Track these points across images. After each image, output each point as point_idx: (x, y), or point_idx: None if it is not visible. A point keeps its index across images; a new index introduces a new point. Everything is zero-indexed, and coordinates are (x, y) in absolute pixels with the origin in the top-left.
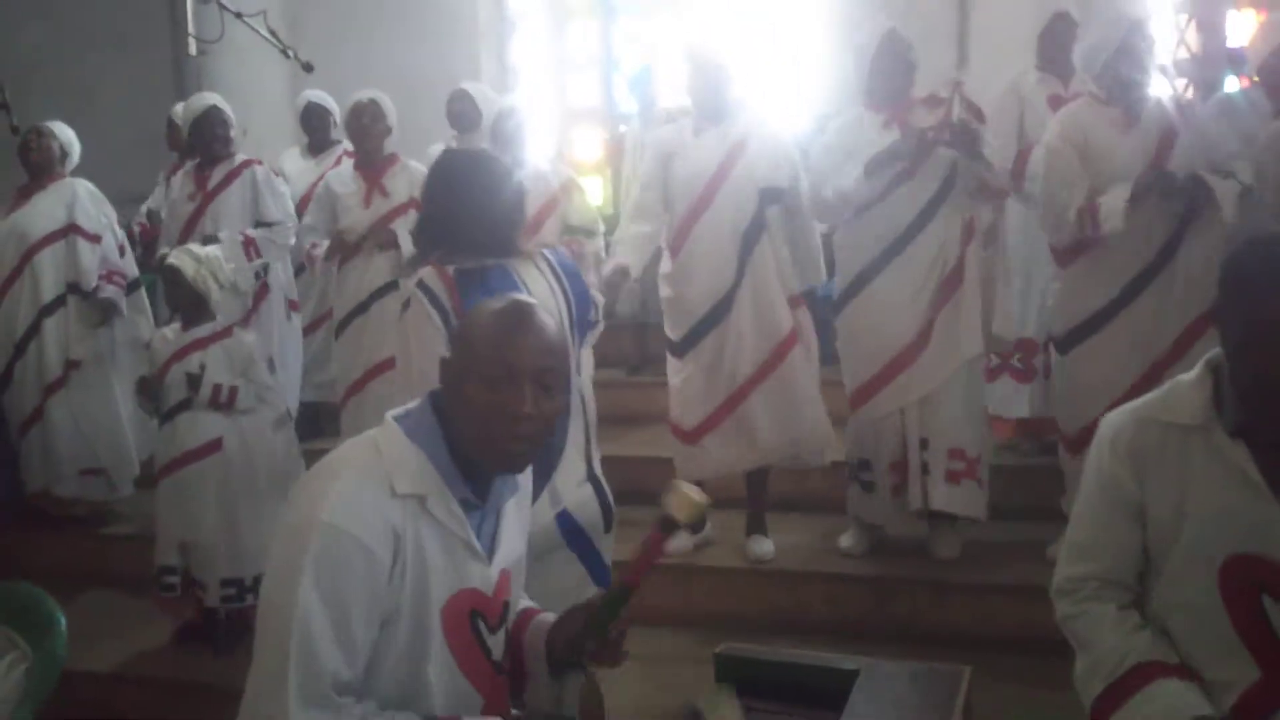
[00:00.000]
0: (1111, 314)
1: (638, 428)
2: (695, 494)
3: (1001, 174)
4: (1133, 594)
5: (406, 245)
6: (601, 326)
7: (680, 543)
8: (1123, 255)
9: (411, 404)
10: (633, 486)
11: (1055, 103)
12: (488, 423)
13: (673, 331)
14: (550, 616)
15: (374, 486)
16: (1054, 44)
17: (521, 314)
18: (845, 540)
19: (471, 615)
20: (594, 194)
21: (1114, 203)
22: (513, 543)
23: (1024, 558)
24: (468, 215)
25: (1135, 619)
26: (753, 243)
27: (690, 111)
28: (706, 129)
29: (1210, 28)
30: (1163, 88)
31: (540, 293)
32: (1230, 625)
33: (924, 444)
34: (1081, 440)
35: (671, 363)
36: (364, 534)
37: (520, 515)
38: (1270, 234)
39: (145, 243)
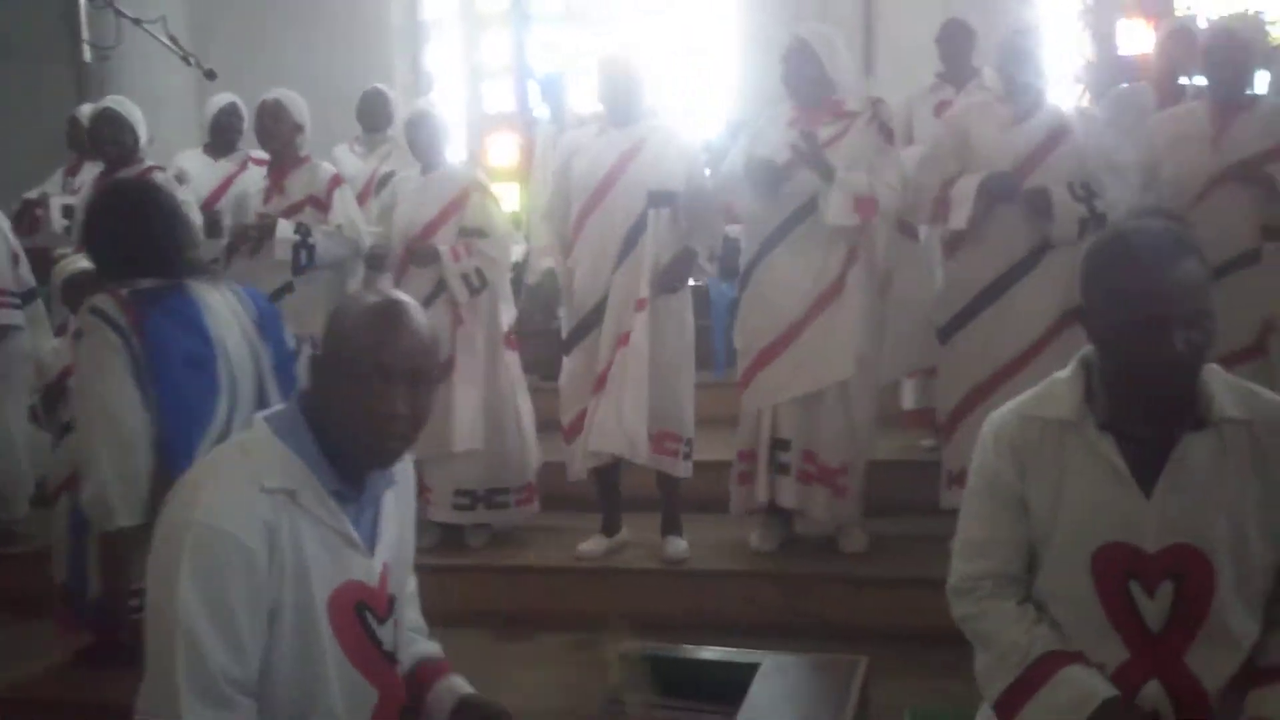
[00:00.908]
0: (982, 305)
1: (552, 433)
2: None
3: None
4: (1026, 587)
5: (283, 231)
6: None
7: (594, 546)
8: (995, 250)
9: (278, 405)
10: (545, 492)
11: (943, 109)
12: (359, 420)
13: (565, 329)
14: (461, 685)
15: (243, 484)
16: (947, 49)
17: (394, 312)
18: (755, 538)
19: (358, 607)
20: (510, 200)
21: (961, 201)
22: (394, 534)
23: (930, 550)
24: (134, 241)
25: (1032, 613)
26: (631, 245)
27: (602, 117)
28: (610, 131)
29: (1103, 37)
30: (1067, 94)
31: (222, 314)
32: (1102, 610)
33: (783, 444)
34: (949, 427)
35: (564, 361)
36: (237, 530)
37: (401, 507)
38: (1128, 225)
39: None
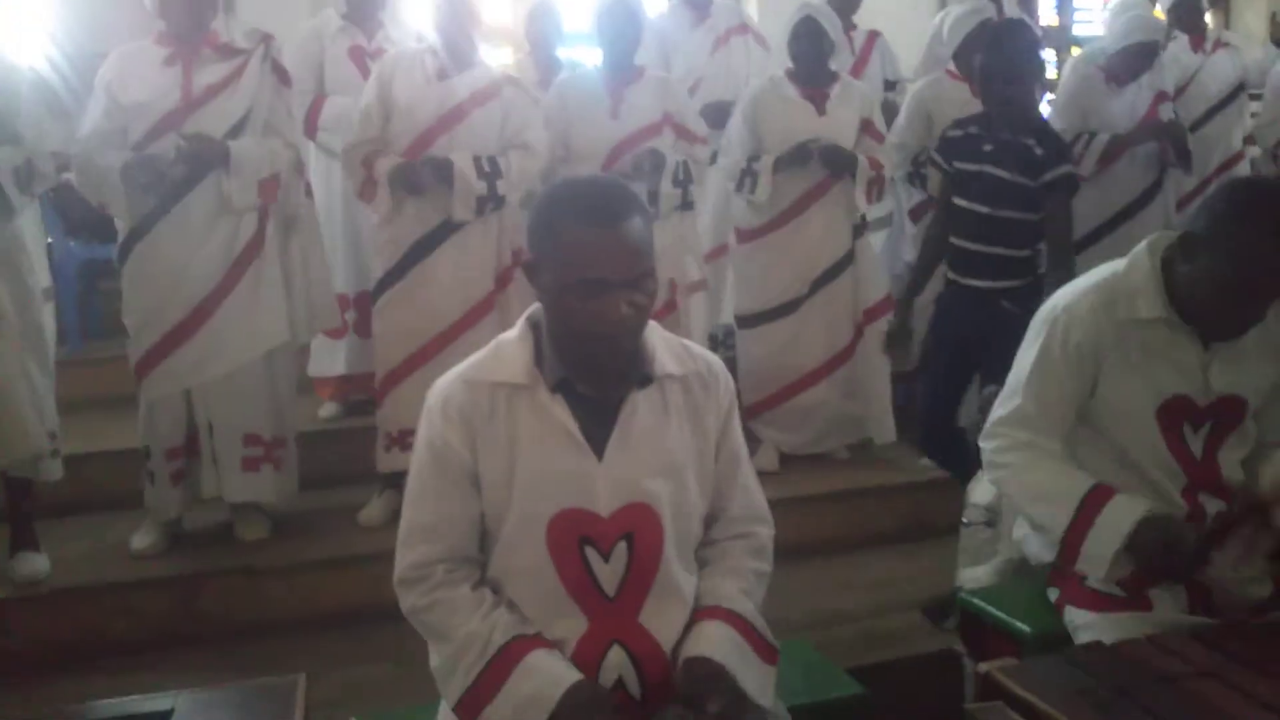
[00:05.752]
0: (406, 269)
1: None
2: None
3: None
4: (480, 567)
5: None
6: None
7: None
8: (414, 217)
9: None
10: None
11: (356, 54)
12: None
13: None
14: None
15: None
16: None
17: None
18: (138, 540)
19: None
20: None
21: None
22: None
23: (338, 527)
24: None
25: (490, 597)
26: None
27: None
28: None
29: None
30: None
31: None
32: (559, 580)
33: (211, 430)
34: (382, 392)
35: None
36: None
37: None
38: (577, 181)
39: None
